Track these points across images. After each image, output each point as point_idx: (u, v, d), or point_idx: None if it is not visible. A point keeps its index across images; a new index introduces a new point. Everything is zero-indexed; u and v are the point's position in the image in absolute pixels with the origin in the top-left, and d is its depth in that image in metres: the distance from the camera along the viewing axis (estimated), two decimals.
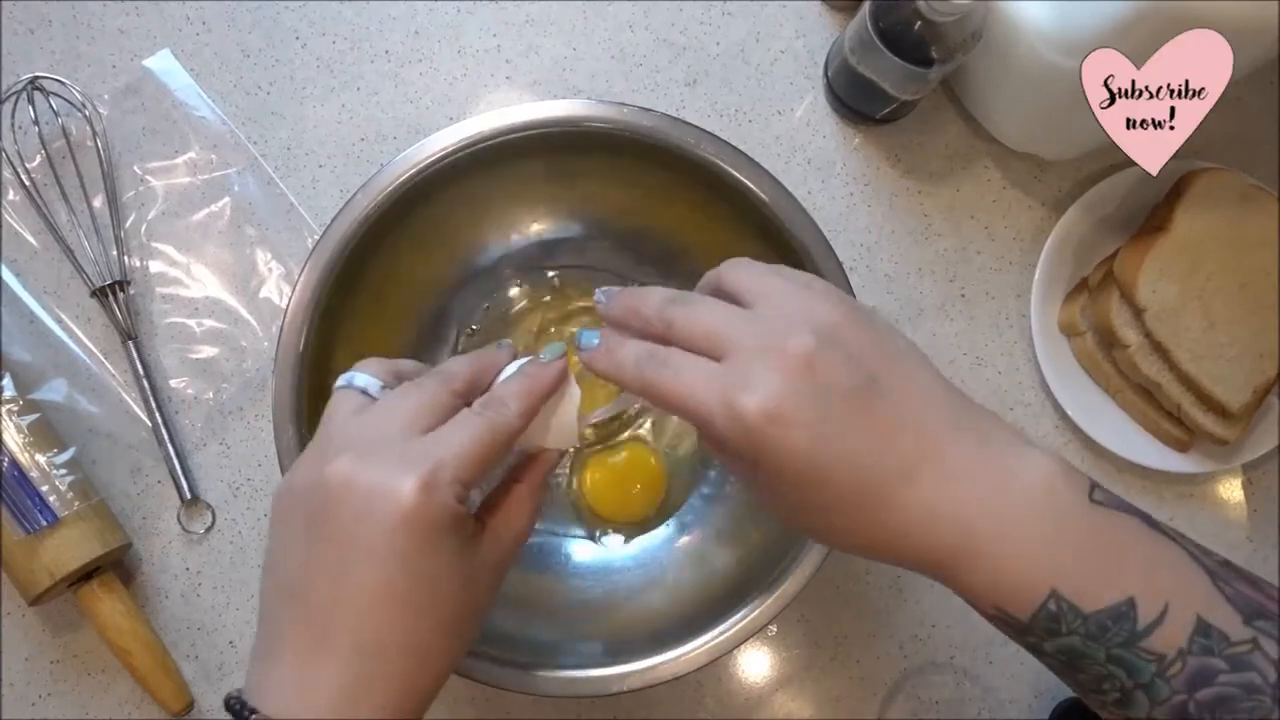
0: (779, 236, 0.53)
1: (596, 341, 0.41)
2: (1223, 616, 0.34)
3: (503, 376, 0.42)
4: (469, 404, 0.40)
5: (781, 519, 0.39)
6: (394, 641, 0.35)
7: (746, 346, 0.36)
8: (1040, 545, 0.35)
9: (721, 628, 0.50)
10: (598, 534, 0.60)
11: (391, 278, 0.57)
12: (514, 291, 0.62)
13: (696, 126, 0.53)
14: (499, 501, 0.41)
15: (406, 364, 0.43)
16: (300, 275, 0.52)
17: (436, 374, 0.41)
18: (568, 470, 0.61)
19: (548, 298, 0.62)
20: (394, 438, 0.37)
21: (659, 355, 0.38)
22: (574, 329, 0.59)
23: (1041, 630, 0.35)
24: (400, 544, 0.34)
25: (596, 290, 0.43)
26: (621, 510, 0.60)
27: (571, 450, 0.61)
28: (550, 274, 0.62)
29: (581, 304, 0.61)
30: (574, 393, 0.43)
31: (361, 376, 0.41)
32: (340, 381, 0.41)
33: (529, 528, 0.41)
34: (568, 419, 0.43)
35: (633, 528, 0.60)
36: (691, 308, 0.38)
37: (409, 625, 0.35)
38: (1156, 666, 0.34)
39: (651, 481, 0.60)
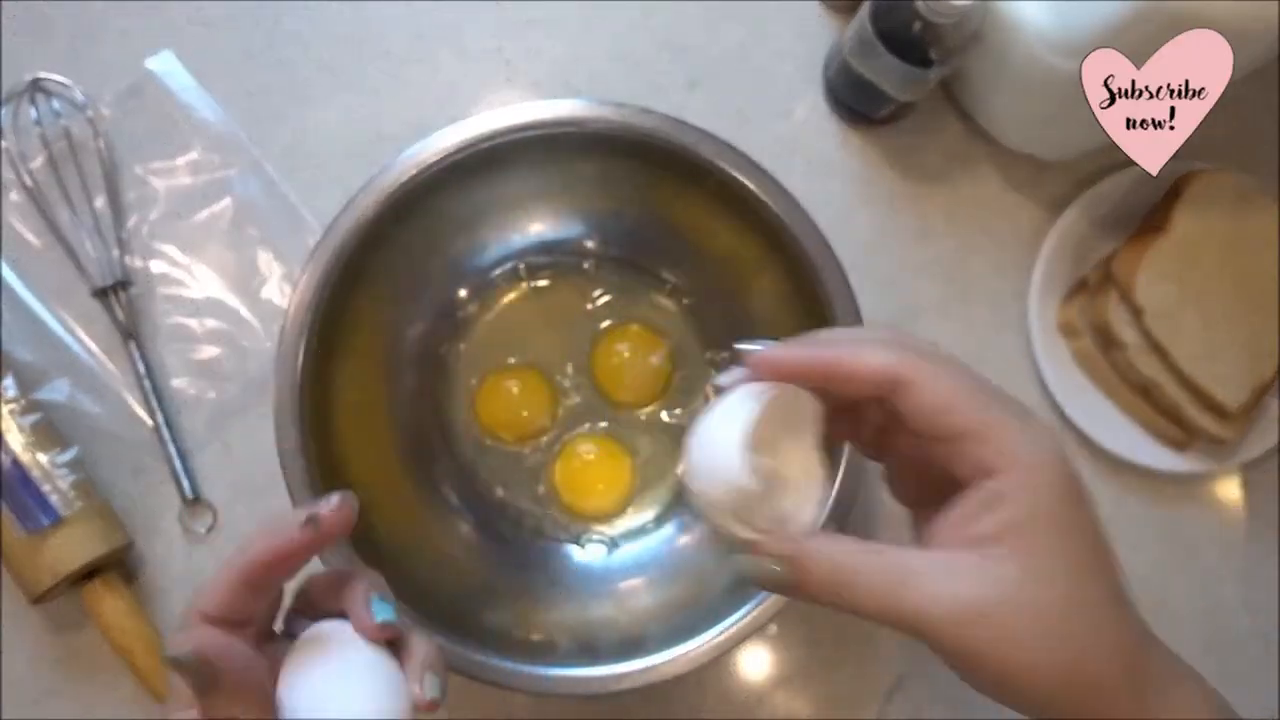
0: (779, 237, 0.53)
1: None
2: None
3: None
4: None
5: (1001, 618, 0.31)
6: None
7: None
8: (1209, 692, 0.33)
9: (722, 626, 0.50)
10: (582, 539, 0.60)
11: (392, 279, 0.57)
12: (512, 295, 0.62)
13: (696, 127, 0.54)
14: None
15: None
16: (302, 276, 0.52)
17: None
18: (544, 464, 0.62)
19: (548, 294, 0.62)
20: None
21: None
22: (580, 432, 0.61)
23: None
24: None
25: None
26: (588, 502, 0.61)
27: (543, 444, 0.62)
28: (545, 278, 0.62)
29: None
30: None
31: None
32: None
33: None
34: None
35: (602, 520, 0.61)
36: None
37: None
38: None
39: (616, 475, 0.61)
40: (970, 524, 0.32)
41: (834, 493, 0.38)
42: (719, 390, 0.35)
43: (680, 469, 0.36)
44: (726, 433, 0.33)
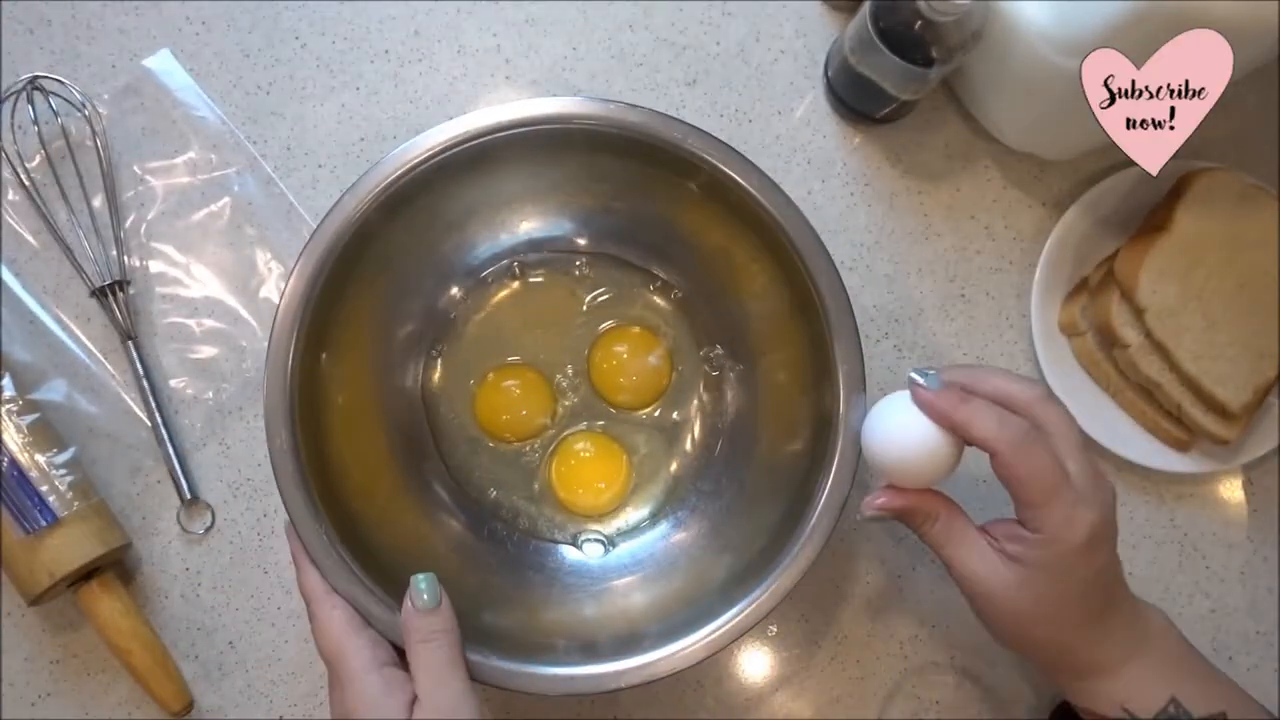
0: (770, 232, 0.53)
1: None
2: None
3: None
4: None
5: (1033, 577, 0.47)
6: None
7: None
8: (1166, 664, 0.49)
9: (718, 623, 0.50)
10: (579, 539, 0.60)
11: (383, 277, 0.57)
12: (503, 293, 0.62)
13: (684, 122, 0.53)
14: None
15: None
16: (291, 274, 0.52)
17: None
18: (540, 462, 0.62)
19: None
20: None
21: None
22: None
23: None
24: None
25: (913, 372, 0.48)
26: (584, 499, 0.60)
27: (540, 443, 0.62)
28: (536, 275, 0.62)
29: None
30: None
31: None
32: None
33: None
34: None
35: (598, 517, 0.61)
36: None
37: None
38: None
39: (612, 472, 0.61)
40: (1005, 542, 0.47)
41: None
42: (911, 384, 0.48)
43: (871, 435, 0.49)
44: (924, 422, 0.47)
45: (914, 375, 0.47)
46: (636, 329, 0.62)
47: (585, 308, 0.62)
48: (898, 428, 0.48)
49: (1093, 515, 0.45)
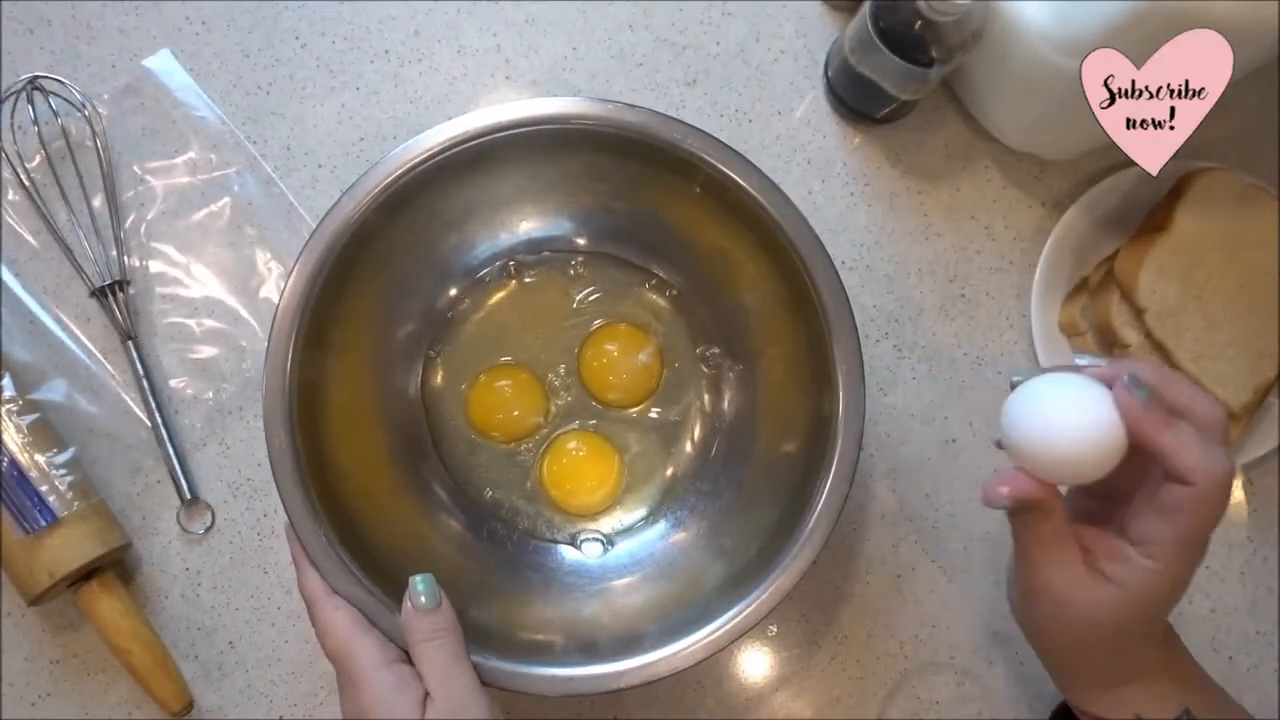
0: (768, 230, 0.53)
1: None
2: None
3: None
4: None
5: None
6: None
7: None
8: (1179, 684, 0.47)
9: (718, 623, 0.50)
10: (577, 539, 0.60)
11: (381, 277, 0.57)
12: (500, 293, 0.62)
13: (682, 122, 0.53)
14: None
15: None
16: (290, 274, 0.52)
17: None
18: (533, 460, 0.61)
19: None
20: None
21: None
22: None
23: None
24: None
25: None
26: (575, 499, 0.60)
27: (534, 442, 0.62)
28: (534, 275, 0.62)
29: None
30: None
31: None
32: None
33: None
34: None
35: (591, 517, 0.61)
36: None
37: None
38: None
39: (603, 471, 0.61)
40: (1109, 561, 0.44)
41: None
42: (1078, 368, 0.45)
43: (1028, 416, 0.44)
44: (1097, 404, 0.43)
45: (1125, 381, 0.42)
46: (625, 326, 0.62)
47: (576, 306, 0.62)
48: (1067, 416, 0.43)
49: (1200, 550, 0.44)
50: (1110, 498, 0.46)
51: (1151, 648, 0.47)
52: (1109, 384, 0.43)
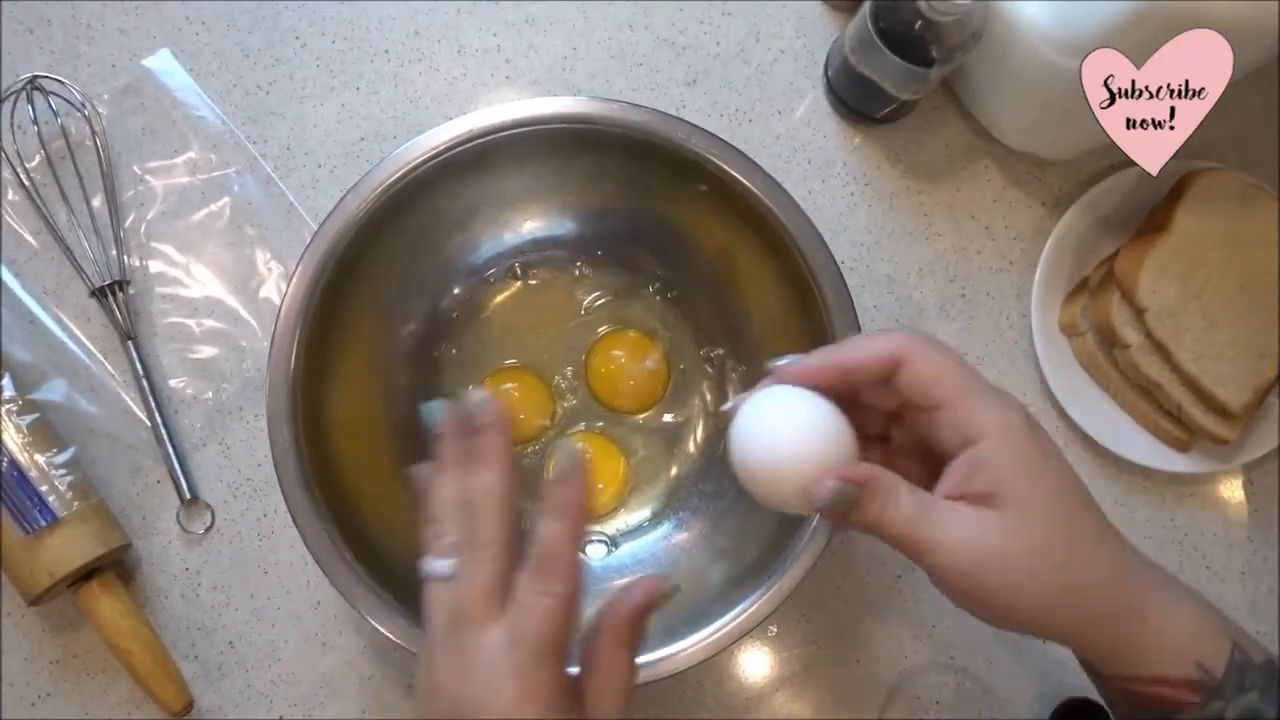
0: (773, 232, 0.53)
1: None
2: None
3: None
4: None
5: (1004, 562, 0.39)
6: None
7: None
8: (1205, 605, 0.40)
9: (719, 623, 0.50)
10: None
11: (385, 277, 0.57)
12: (504, 294, 0.62)
13: (687, 122, 0.53)
14: (594, 664, 0.40)
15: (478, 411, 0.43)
16: (293, 275, 0.52)
17: (478, 543, 0.40)
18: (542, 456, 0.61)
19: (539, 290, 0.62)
20: (478, 638, 0.38)
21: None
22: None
23: (1232, 687, 0.38)
24: None
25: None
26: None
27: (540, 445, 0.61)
28: (538, 276, 0.62)
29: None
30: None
31: (439, 564, 0.41)
32: (425, 567, 0.41)
33: (631, 686, 0.40)
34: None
35: (596, 519, 0.61)
36: None
37: None
38: None
39: (609, 474, 0.61)
40: (966, 485, 0.39)
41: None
42: (771, 374, 0.42)
43: (738, 453, 0.41)
44: (809, 417, 0.40)
45: (776, 363, 0.42)
46: (633, 333, 0.62)
47: (584, 310, 0.62)
48: (781, 421, 0.40)
49: (1016, 405, 0.40)
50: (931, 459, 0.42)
51: (1129, 554, 0.40)
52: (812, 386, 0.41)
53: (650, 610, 0.41)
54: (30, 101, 0.62)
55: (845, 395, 0.41)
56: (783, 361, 0.42)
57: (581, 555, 0.40)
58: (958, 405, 0.39)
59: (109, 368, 0.62)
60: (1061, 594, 0.38)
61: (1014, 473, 0.38)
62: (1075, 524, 0.39)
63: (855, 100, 0.64)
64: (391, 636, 0.48)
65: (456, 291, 0.61)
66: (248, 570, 0.61)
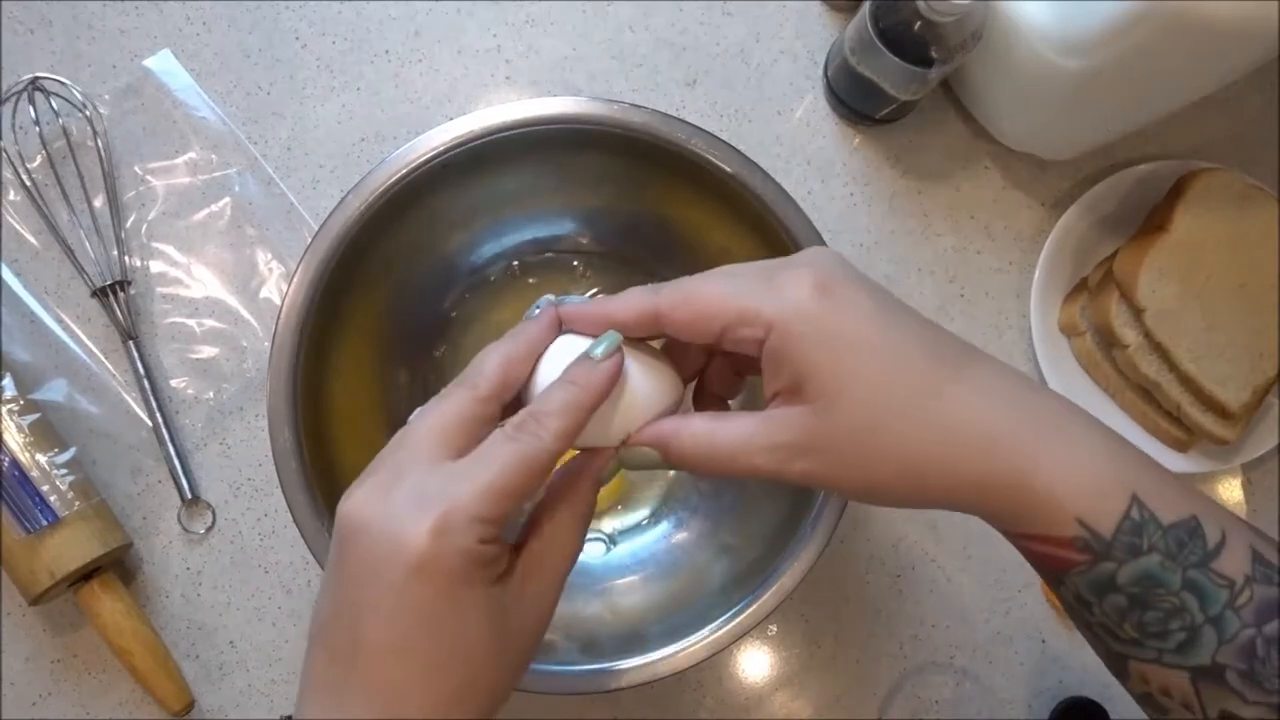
0: (772, 231, 0.53)
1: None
2: (1265, 548, 0.33)
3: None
4: (504, 408, 0.36)
5: (827, 448, 0.35)
6: (415, 697, 0.32)
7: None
8: (1110, 449, 0.34)
9: (719, 623, 0.50)
10: None
11: (385, 277, 0.57)
12: (504, 294, 0.62)
13: (687, 123, 0.53)
14: (537, 527, 0.36)
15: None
16: (294, 275, 0.52)
17: (463, 379, 0.36)
18: None
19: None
20: (419, 465, 0.33)
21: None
22: None
23: (1124, 549, 0.33)
24: (414, 596, 0.31)
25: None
26: None
27: None
28: (538, 276, 0.62)
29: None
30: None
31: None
32: None
33: (573, 556, 0.37)
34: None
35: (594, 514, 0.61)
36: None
37: (431, 680, 0.32)
38: (1228, 594, 0.32)
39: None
40: (774, 384, 0.35)
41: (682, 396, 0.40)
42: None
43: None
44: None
45: (534, 310, 0.39)
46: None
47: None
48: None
49: (802, 280, 0.36)
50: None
51: (970, 375, 0.35)
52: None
53: (598, 474, 0.37)
54: (31, 102, 0.62)
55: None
56: (567, 303, 0.38)
57: (579, 426, 0.36)
58: (735, 321, 0.35)
59: (110, 368, 0.62)
60: (918, 464, 0.34)
61: (814, 354, 0.34)
62: (910, 389, 0.34)
63: (855, 101, 0.64)
64: None
65: (457, 292, 0.61)
66: (249, 570, 0.61)
